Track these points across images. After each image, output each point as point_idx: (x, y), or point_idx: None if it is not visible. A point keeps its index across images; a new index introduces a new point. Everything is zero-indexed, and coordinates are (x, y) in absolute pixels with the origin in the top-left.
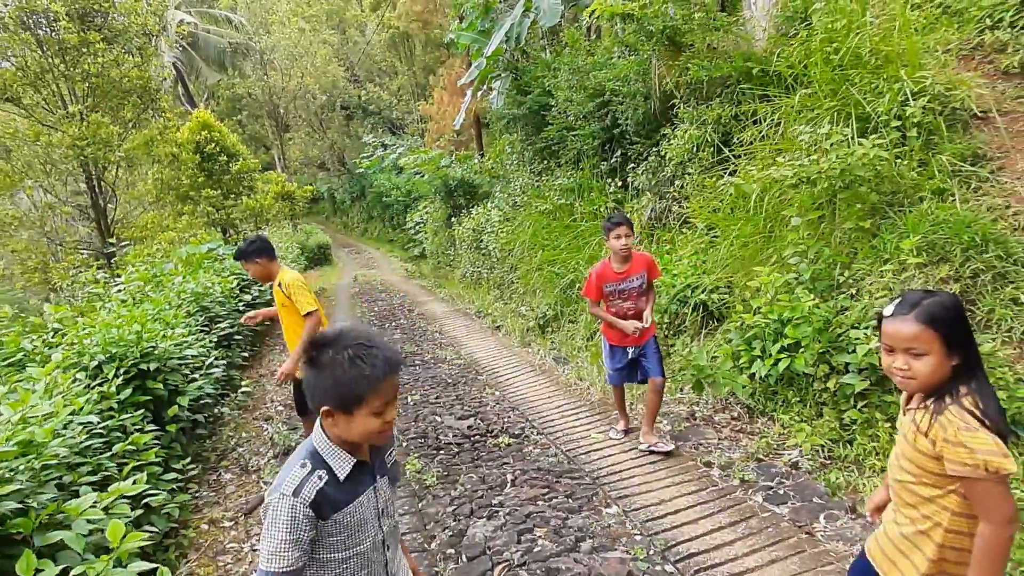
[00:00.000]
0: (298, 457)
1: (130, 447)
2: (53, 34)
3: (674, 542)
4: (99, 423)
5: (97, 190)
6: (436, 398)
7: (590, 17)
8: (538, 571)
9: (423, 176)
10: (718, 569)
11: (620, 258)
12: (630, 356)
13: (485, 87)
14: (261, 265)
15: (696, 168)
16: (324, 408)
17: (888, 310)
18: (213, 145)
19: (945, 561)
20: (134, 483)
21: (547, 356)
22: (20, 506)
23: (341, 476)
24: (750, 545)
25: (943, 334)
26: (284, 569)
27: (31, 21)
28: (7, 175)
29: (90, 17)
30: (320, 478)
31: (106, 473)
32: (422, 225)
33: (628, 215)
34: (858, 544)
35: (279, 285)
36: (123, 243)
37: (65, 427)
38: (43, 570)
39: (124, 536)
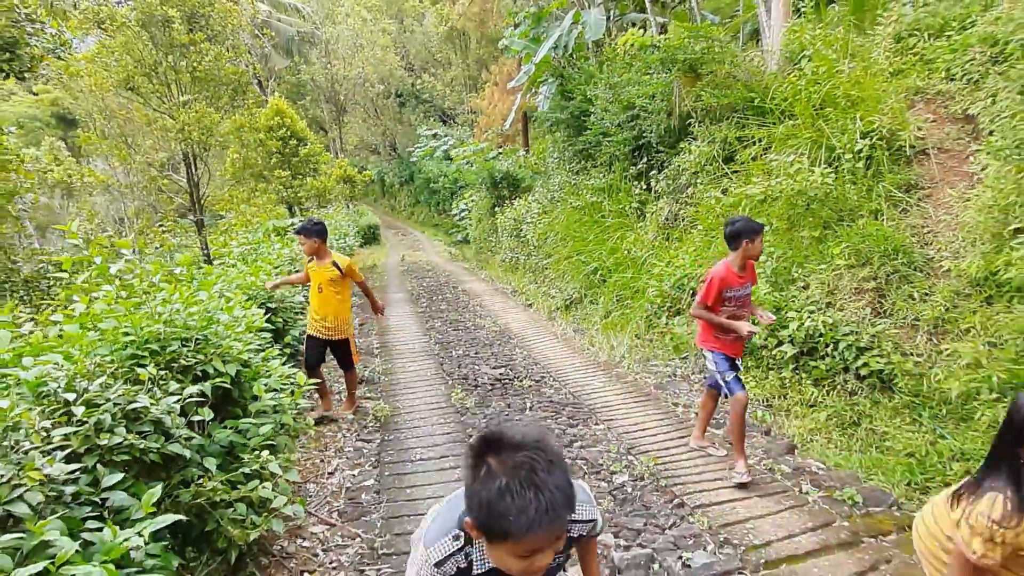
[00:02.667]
0: (454, 520)
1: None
2: (166, 34)
3: (637, 446)
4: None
5: (193, 168)
6: (476, 353)
7: (624, 45)
8: None
9: (471, 166)
10: (661, 458)
11: (741, 264)
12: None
13: (533, 90)
14: (316, 244)
15: (704, 179)
16: (467, 520)
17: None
18: (285, 130)
19: None
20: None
21: (568, 328)
22: (248, 358)
23: (476, 570)
24: (689, 452)
25: None
26: None
27: (149, 22)
28: (121, 148)
29: (195, 19)
30: (466, 556)
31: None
32: (467, 212)
33: (649, 215)
34: (755, 449)
35: (334, 264)
36: (209, 214)
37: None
38: (261, 395)
39: (304, 384)
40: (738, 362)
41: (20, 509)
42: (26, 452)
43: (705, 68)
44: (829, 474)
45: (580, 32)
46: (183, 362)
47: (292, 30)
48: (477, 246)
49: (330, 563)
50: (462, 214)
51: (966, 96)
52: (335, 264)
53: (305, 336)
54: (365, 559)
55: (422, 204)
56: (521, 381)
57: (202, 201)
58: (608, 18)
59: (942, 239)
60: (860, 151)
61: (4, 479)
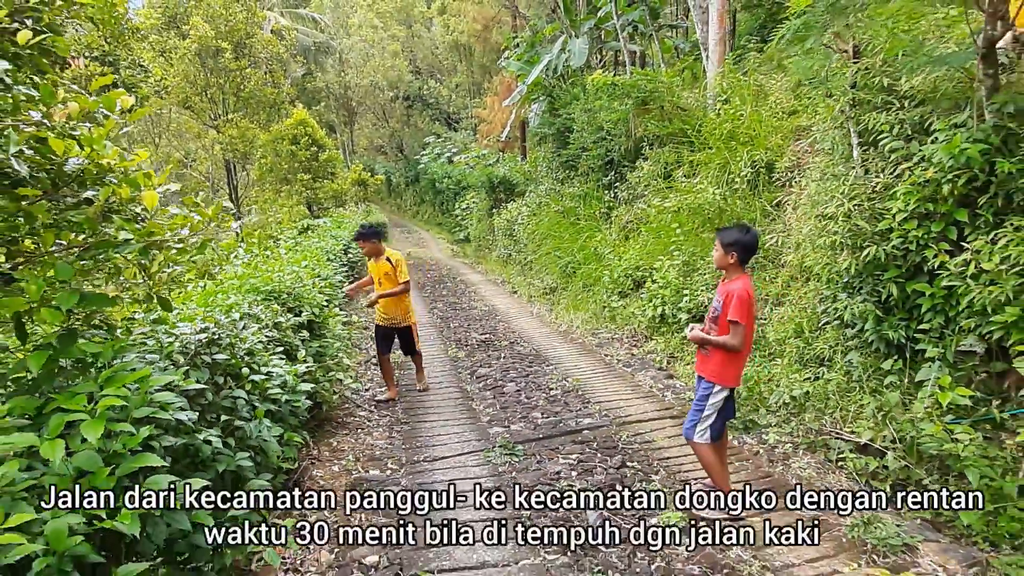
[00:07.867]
0: None
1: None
2: (217, 61)
3: (571, 375)
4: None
5: (233, 172)
6: (468, 325)
7: (592, 82)
8: (508, 381)
9: (472, 169)
10: (585, 383)
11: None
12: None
13: (527, 106)
14: (375, 244)
15: (651, 192)
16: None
17: None
18: (307, 138)
19: None
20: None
21: (542, 308)
22: (323, 305)
23: None
24: (604, 379)
25: None
26: None
27: (204, 52)
28: (175, 161)
29: (241, 47)
30: None
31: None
32: (468, 213)
33: (613, 219)
34: (647, 377)
35: (387, 259)
36: (245, 212)
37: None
38: (333, 328)
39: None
40: (708, 392)
41: (255, 347)
42: (249, 327)
43: (654, 104)
44: (686, 387)
45: (567, 57)
46: (289, 304)
47: (309, 40)
48: (476, 244)
49: (373, 425)
50: (464, 214)
51: (827, 135)
52: (388, 259)
53: (373, 326)
54: (394, 424)
55: (427, 204)
56: (500, 342)
57: (240, 201)
58: (599, 37)
59: (791, 240)
60: (747, 175)
61: (245, 337)
